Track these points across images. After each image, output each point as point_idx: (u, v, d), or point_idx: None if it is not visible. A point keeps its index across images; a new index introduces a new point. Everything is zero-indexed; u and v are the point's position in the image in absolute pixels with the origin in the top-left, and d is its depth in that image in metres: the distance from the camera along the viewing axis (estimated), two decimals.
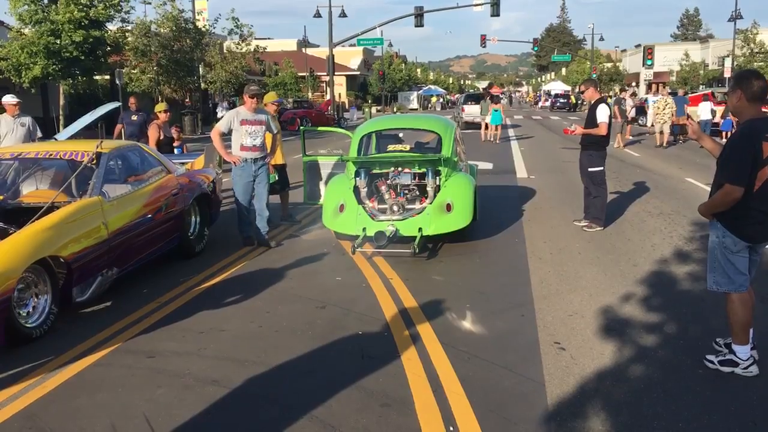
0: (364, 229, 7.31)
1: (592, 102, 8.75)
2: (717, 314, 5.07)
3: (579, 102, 52.71)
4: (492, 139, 23.30)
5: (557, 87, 69.41)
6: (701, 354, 4.52)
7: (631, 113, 23.01)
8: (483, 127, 24.28)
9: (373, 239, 7.15)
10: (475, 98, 34.73)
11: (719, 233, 4.30)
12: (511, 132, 27.49)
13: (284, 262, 7.24)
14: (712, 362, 4.39)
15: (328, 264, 7.27)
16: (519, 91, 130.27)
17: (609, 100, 17.82)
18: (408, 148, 8.68)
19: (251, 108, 7.73)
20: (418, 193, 7.92)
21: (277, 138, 8.33)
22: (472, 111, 31.95)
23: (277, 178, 8.84)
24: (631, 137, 22.85)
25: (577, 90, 53.66)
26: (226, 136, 7.82)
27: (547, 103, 61.50)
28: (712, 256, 4.39)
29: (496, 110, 23.41)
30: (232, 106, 29.07)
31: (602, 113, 8.49)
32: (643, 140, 23.27)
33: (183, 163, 8.44)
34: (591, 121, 8.62)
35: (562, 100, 56.51)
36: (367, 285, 6.38)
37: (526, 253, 7.52)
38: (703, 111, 20.82)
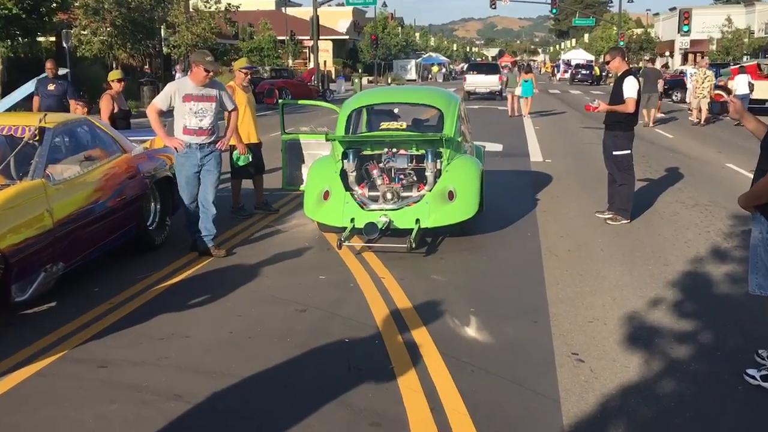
0: (352, 220, 7.32)
1: (619, 74, 8.76)
2: (759, 322, 5.11)
3: (603, 74, 52.77)
4: (519, 113, 23.60)
5: (578, 56, 69.57)
6: (741, 368, 4.56)
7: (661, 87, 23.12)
8: (510, 100, 24.87)
9: (362, 232, 7.16)
10: (479, 68, 36.45)
11: (763, 228, 4.32)
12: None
13: (259, 257, 7.24)
14: (753, 377, 4.43)
15: (310, 260, 7.28)
16: (534, 61, 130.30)
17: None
18: (404, 125, 8.67)
19: (200, 81, 7.15)
20: (415, 178, 7.92)
21: (238, 115, 8.04)
22: (474, 81, 34.82)
23: (250, 159, 8.77)
24: (662, 114, 22.93)
25: (601, 60, 53.72)
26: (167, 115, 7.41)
27: (567, 75, 61.64)
28: (754, 254, 4.41)
29: (526, 81, 23.43)
30: None
31: (630, 87, 8.49)
32: (675, 118, 23.37)
33: (141, 141, 8.40)
34: (617, 96, 8.63)
35: (583, 72, 56.71)
36: (355, 285, 6.40)
37: (540, 250, 7.55)
38: (739, 85, 20.89)
